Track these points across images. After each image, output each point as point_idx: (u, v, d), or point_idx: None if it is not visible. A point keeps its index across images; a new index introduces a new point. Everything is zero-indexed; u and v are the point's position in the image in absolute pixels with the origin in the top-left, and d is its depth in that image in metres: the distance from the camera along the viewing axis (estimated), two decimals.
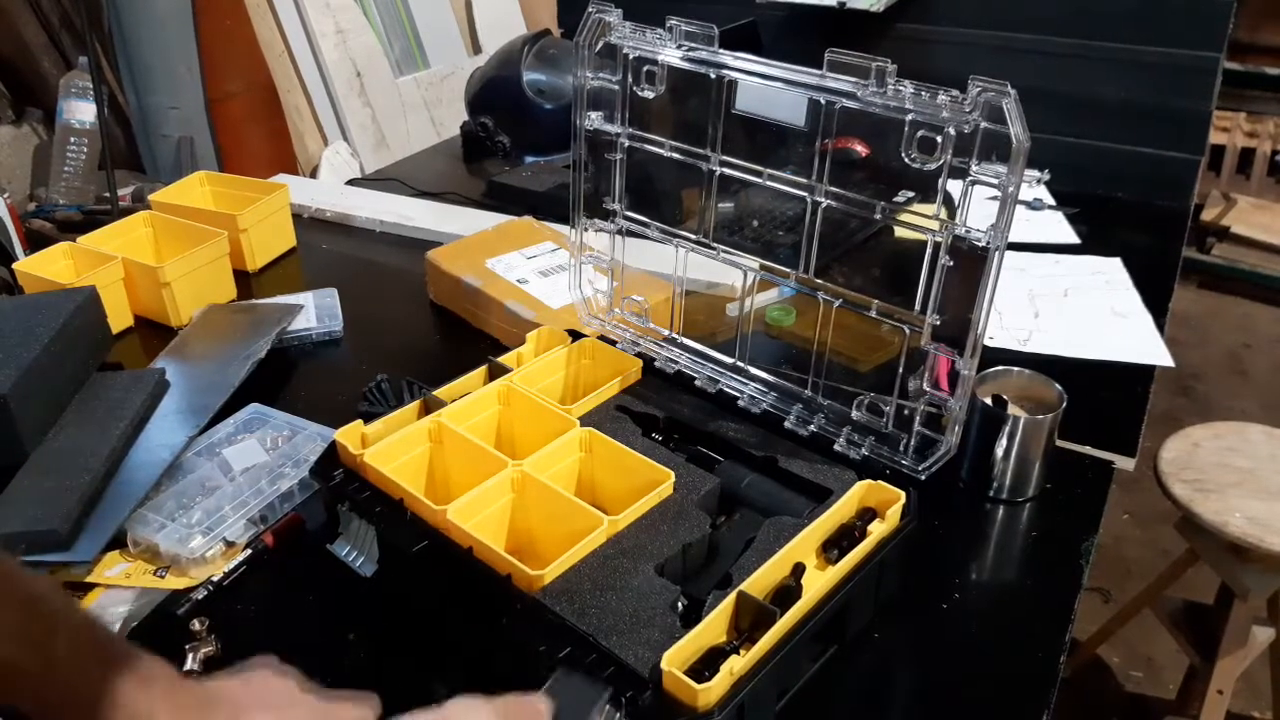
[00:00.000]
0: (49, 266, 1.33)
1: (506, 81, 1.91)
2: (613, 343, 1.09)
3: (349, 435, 0.90)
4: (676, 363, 1.09)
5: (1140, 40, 1.72)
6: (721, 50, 0.97)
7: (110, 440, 1.02)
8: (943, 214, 0.90)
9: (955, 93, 0.83)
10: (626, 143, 1.08)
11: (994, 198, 0.84)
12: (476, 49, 2.73)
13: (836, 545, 0.82)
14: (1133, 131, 1.76)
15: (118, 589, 0.89)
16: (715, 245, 1.08)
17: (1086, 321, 1.37)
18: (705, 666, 0.70)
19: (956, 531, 1.01)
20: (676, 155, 1.05)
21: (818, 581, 0.78)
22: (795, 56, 0.93)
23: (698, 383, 1.06)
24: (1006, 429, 1.01)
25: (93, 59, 2.35)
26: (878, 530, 0.83)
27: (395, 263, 1.54)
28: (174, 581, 0.90)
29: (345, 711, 0.62)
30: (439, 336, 1.35)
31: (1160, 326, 1.36)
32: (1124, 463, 1.09)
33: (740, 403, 1.04)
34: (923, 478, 0.96)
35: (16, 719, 0.55)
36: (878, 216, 0.96)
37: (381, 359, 1.25)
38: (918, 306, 0.94)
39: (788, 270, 1.03)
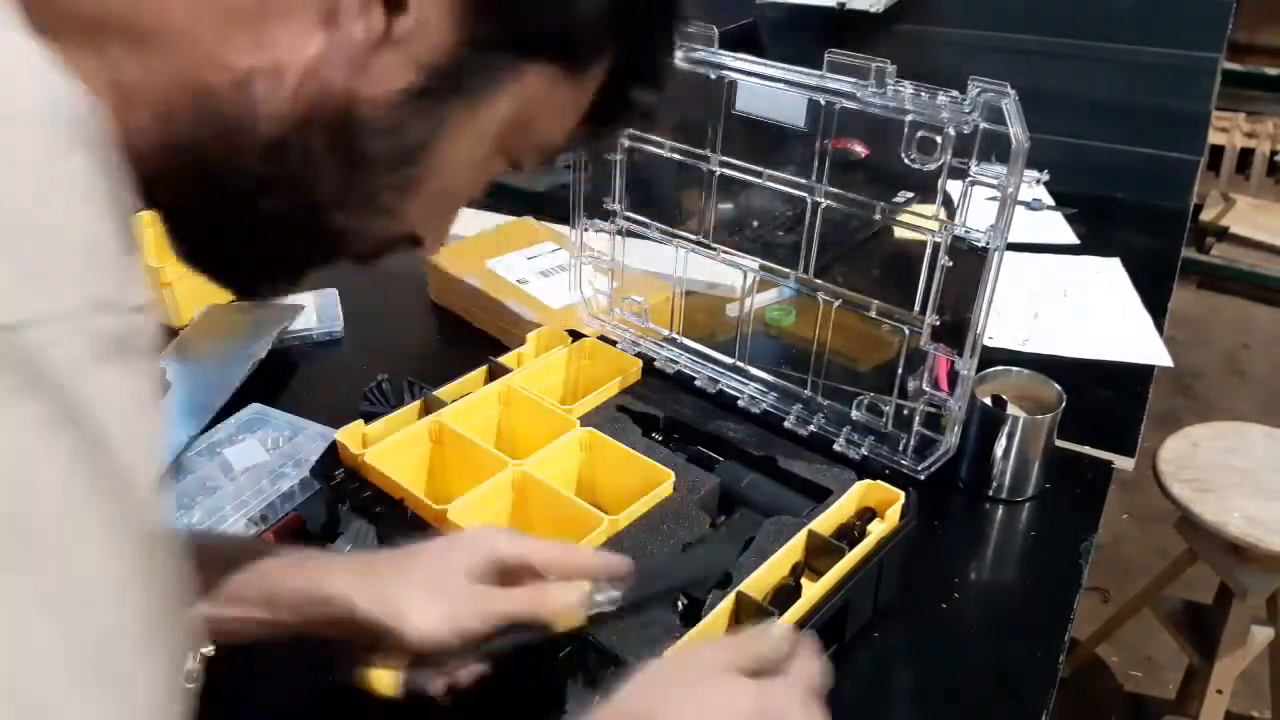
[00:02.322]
0: None
1: None
2: (613, 343, 1.09)
3: (350, 435, 0.90)
4: (676, 363, 1.09)
5: (1140, 40, 1.72)
6: (721, 50, 0.97)
7: None
8: (942, 214, 0.90)
9: (955, 93, 0.83)
10: (627, 143, 1.08)
11: (993, 198, 0.85)
12: None
13: (836, 546, 0.82)
14: (1132, 131, 1.76)
15: None
16: (715, 245, 1.08)
17: (1086, 321, 1.37)
18: None
19: (956, 531, 1.01)
20: (676, 156, 1.06)
21: (817, 581, 0.78)
22: (795, 57, 0.93)
23: (698, 383, 1.07)
24: (1006, 429, 1.01)
25: None
26: (877, 530, 0.83)
27: (395, 263, 1.53)
28: None
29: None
30: (439, 336, 1.36)
31: (1159, 326, 1.36)
32: (1123, 462, 1.09)
33: (740, 403, 1.04)
34: (922, 477, 0.96)
35: None
36: (877, 217, 0.96)
37: (381, 359, 1.25)
38: (917, 307, 0.94)
39: (788, 270, 1.03)
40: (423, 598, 0.65)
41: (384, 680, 0.65)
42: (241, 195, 0.42)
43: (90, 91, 0.34)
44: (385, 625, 0.64)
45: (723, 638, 0.64)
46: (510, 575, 0.70)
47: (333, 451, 0.91)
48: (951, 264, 0.90)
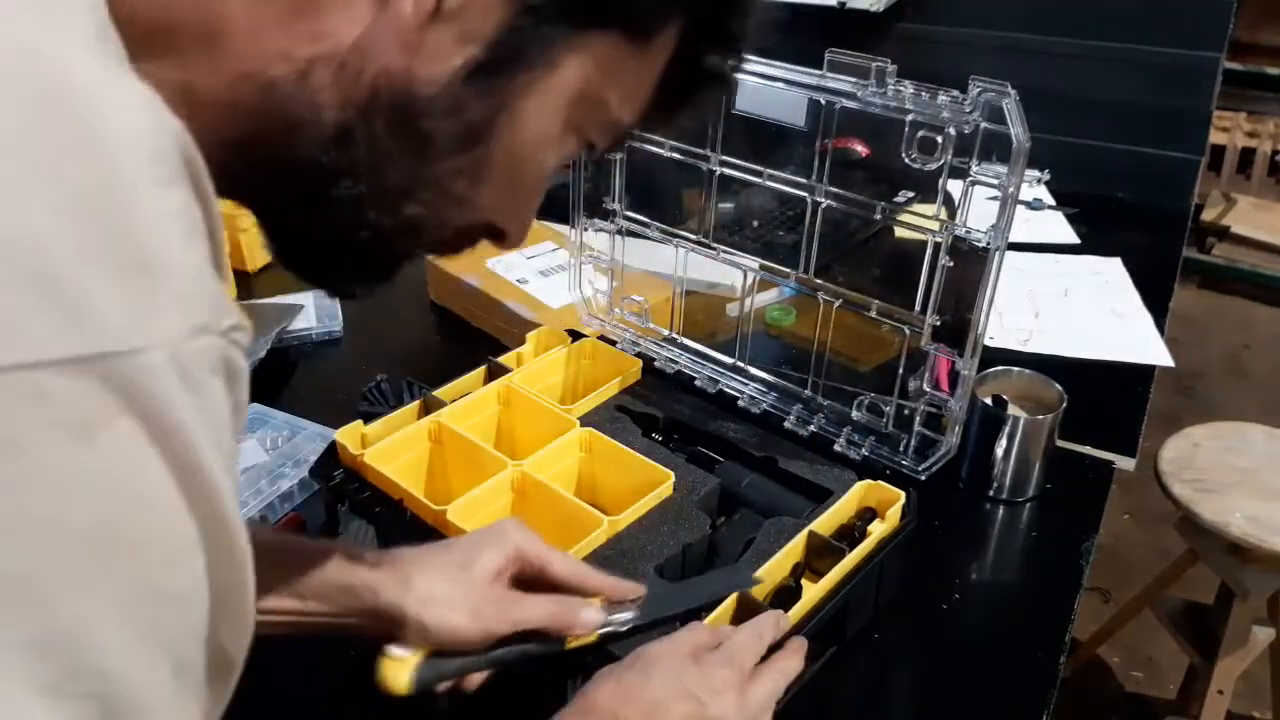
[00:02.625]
0: None
1: None
2: (613, 343, 1.09)
3: (349, 435, 0.90)
4: (676, 363, 1.09)
5: (1140, 40, 1.71)
6: None
7: None
8: (943, 214, 0.90)
9: (955, 93, 0.83)
10: (626, 142, 1.08)
11: (994, 198, 0.84)
12: None
13: (836, 546, 0.82)
14: (1133, 131, 1.76)
15: None
16: (715, 245, 1.08)
17: (1086, 321, 1.37)
18: None
19: (956, 532, 1.01)
20: (676, 155, 1.05)
21: (817, 582, 0.78)
22: (795, 56, 0.93)
23: (698, 383, 1.06)
24: (1006, 429, 1.01)
25: None
26: (878, 530, 0.83)
27: None
28: None
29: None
30: (439, 336, 1.35)
31: (1160, 326, 1.36)
32: (1124, 463, 1.09)
33: (740, 403, 1.04)
34: (923, 478, 0.96)
35: None
36: (878, 216, 0.96)
37: (381, 359, 1.25)
38: (918, 306, 0.94)
39: (788, 270, 1.03)
40: (451, 592, 0.65)
41: (398, 676, 0.64)
42: (313, 187, 0.42)
43: (167, 101, 0.34)
44: (410, 616, 0.64)
45: (672, 634, 0.66)
46: (525, 578, 0.70)
47: (332, 452, 0.90)
48: (952, 264, 0.90)
